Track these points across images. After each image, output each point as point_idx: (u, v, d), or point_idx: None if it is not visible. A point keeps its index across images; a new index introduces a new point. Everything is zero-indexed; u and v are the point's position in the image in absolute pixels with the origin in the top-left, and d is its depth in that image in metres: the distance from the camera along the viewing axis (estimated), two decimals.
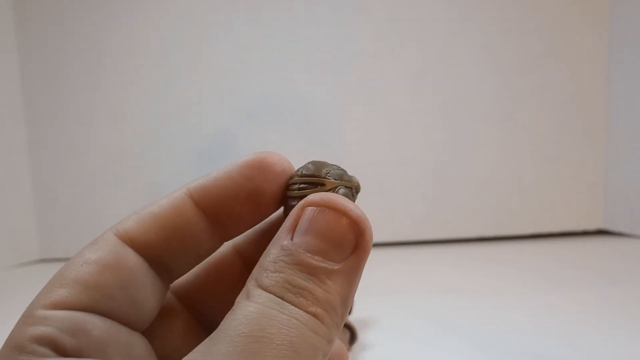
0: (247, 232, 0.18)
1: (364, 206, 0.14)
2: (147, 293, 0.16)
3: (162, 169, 0.81)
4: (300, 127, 0.79)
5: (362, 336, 0.47)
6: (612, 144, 0.83)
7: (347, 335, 0.44)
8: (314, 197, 0.15)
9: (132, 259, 0.16)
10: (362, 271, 0.15)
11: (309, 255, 0.14)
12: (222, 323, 0.13)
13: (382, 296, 0.59)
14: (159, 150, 0.81)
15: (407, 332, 0.49)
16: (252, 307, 0.13)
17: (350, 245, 0.14)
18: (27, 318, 0.14)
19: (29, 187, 0.82)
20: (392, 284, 0.62)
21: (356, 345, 0.46)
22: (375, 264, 0.75)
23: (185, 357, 0.13)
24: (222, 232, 0.17)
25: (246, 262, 0.18)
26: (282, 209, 0.17)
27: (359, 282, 0.15)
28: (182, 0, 0.80)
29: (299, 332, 0.13)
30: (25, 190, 0.81)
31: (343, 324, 0.14)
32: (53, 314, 0.14)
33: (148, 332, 0.16)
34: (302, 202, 0.15)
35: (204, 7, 0.80)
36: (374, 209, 0.81)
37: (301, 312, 0.13)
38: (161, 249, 0.16)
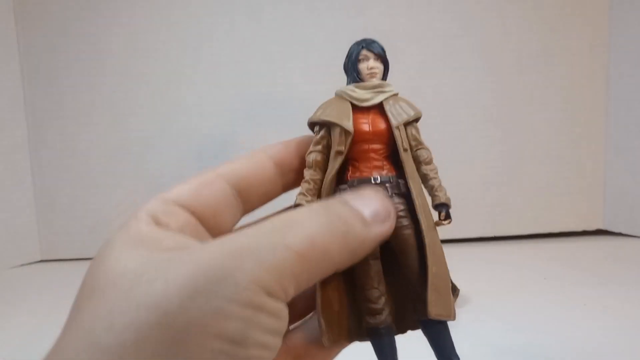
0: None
1: None
2: (228, 211, 0.23)
3: (163, 169, 0.81)
4: (300, 127, 0.79)
5: None
6: (611, 144, 0.83)
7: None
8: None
9: (225, 186, 0.23)
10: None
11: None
12: None
13: None
14: (160, 150, 0.82)
15: (408, 332, 0.49)
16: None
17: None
18: (148, 202, 0.21)
19: (29, 187, 0.82)
20: None
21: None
22: None
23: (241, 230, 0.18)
24: (284, 181, 0.25)
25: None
26: None
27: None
28: (183, 0, 0.80)
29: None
30: (26, 191, 0.81)
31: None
32: (160, 204, 0.21)
33: None
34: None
35: (204, 7, 0.80)
36: None
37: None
38: (248, 183, 0.23)
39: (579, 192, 0.83)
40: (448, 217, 0.24)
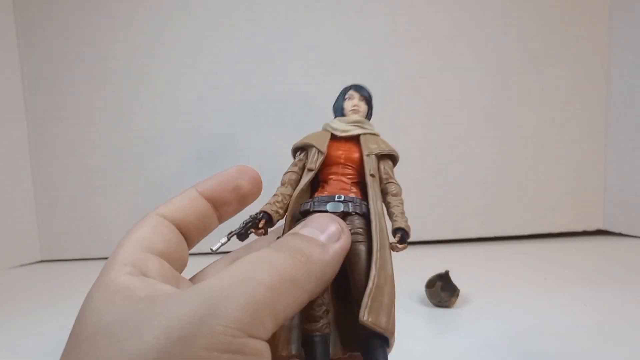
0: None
1: None
2: (182, 250, 0.24)
3: (162, 169, 0.81)
4: (300, 128, 0.79)
5: None
6: (611, 144, 0.83)
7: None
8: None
9: (172, 227, 0.24)
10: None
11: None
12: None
13: None
14: (159, 151, 0.82)
15: (408, 332, 0.49)
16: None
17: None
18: (121, 250, 0.21)
19: (29, 188, 0.82)
20: None
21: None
22: None
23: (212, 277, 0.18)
24: (219, 214, 0.26)
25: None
26: None
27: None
28: (183, 1, 0.80)
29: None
30: (26, 191, 0.81)
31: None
32: (133, 251, 0.21)
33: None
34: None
35: (204, 7, 0.80)
36: None
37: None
38: (188, 221, 0.24)
39: (579, 192, 0.83)
40: (403, 241, 0.24)
